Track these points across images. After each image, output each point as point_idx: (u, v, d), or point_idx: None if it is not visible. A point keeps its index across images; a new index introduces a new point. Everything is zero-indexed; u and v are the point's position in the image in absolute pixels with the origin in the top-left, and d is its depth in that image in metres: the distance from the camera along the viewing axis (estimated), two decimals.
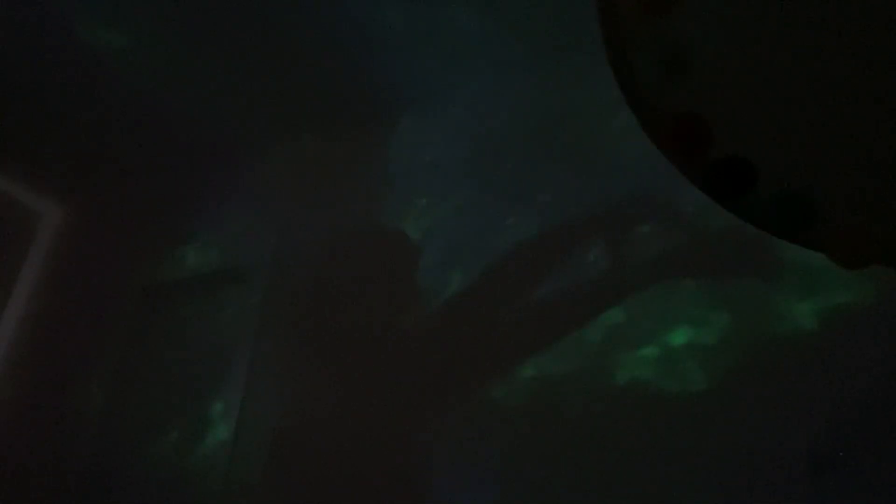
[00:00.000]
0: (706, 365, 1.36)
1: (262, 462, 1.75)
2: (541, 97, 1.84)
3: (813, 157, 0.42)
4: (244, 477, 1.76)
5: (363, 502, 1.57)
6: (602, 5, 0.44)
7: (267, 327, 1.95)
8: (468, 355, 1.64)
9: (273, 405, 1.84)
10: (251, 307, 2.00)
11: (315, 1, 1.81)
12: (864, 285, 1.24)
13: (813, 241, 0.45)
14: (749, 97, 0.42)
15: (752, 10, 0.41)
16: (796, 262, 1.29)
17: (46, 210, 2.66)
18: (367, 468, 1.60)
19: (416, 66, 1.96)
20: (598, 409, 1.43)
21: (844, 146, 0.41)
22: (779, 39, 0.41)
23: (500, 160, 1.83)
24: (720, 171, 0.44)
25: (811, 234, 0.44)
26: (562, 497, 1.39)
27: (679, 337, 1.42)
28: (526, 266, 1.67)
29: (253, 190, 2.25)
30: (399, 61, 1.95)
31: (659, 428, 1.35)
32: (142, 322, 2.26)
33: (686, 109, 0.43)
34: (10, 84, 2.09)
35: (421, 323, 1.77)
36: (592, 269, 1.58)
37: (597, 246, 1.60)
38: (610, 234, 1.60)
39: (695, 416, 1.33)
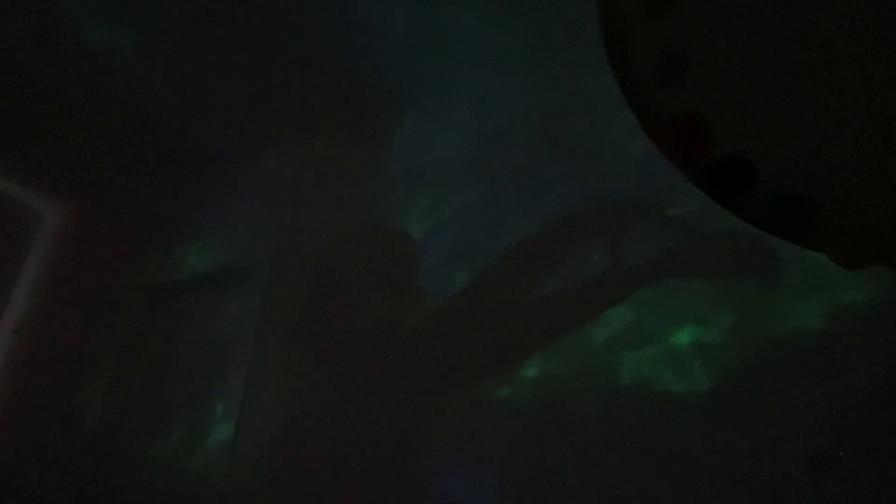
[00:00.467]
0: (711, 364, 1.36)
1: (264, 463, 1.75)
2: (544, 96, 1.84)
3: (813, 158, 0.42)
4: (245, 477, 1.76)
5: (365, 503, 1.57)
6: (602, 6, 0.44)
7: (268, 327, 1.95)
8: (471, 355, 1.64)
9: (275, 406, 1.84)
10: (253, 307, 2.00)
11: (317, 1, 1.81)
12: (871, 284, 1.24)
13: (813, 241, 0.45)
14: (749, 97, 0.42)
15: (752, 10, 0.41)
16: (802, 260, 1.29)
17: (46, 210, 2.66)
18: (368, 469, 1.60)
19: (419, 65, 1.96)
20: (603, 409, 1.43)
21: (844, 147, 0.41)
22: (778, 39, 0.41)
23: (503, 160, 1.83)
24: (720, 171, 0.44)
25: (811, 234, 0.44)
26: (566, 497, 1.39)
27: (684, 336, 1.42)
28: (530, 265, 1.67)
29: (255, 190, 2.25)
30: (401, 61, 1.95)
31: (664, 427, 1.35)
32: (142, 322, 2.26)
33: (686, 109, 0.43)
34: (10, 84, 2.09)
35: (424, 323, 1.77)
36: (596, 268, 1.58)
37: (601, 245, 1.60)
38: (614, 232, 1.60)
39: (700, 415, 1.33)
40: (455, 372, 1.65)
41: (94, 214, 2.60)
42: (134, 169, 2.44)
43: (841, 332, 1.27)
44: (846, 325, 1.27)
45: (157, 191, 2.42)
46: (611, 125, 1.67)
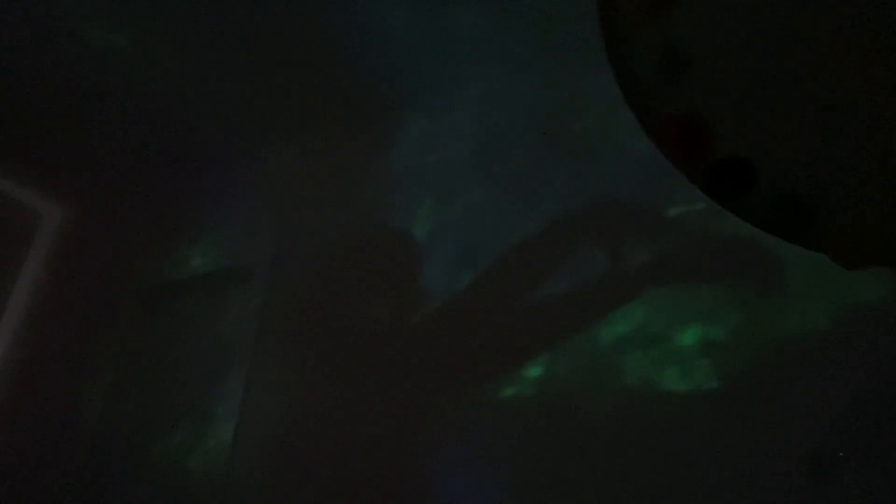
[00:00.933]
0: (717, 364, 1.36)
1: (265, 463, 1.75)
2: (548, 96, 1.84)
3: (813, 158, 0.42)
4: (246, 478, 1.76)
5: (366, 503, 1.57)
6: (602, 6, 0.44)
7: (270, 327, 1.95)
8: (475, 356, 1.64)
9: (276, 406, 1.84)
10: (254, 308, 2.00)
11: (318, 1, 1.81)
12: (874, 283, 1.24)
13: (813, 242, 0.45)
14: (749, 97, 0.42)
15: (751, 10, 0.41)
16: (805, 260, 1.29)
17: (46, 210, 2.66)
18: (370, 469, 1.60)
19: (422, 65, 1.96)
20: (608, 409, 1.43)
21: (844, 147, 0.41)
22: (778, 39, 0.41)
23: (507, 159, 1.83)
24: (720, 172, 0.44)
25: (811, 234, 0.44)
26: (571, 497, 1.39)
27: (690, 336, 1.42)
28: (534, 265, 1.67)
29: (256, 190, 2.25)
30: (404, 61, 1.95)
31: (669, 427, 1.35)
32: (142, 323, 2.26)
33: (686, 109, 0.43)
34: (9, 83, 2.09)
35: (426, 323, 1.77)
36: (601, 267, 1.58)
37: (606, 244, 1.60)
38: (619, 232, 1.60)
39: (705, 415, 1.33)
40: (458, 372, 1.64)
41: (95, 214, 2.60)
42: (134, 169, 2.44)
43: (844, 333, 1.27)
44: (849, 325, 1.27)
45: (157, 191, 2.42)
46: (616, 124, 1.67)
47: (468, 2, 1.80)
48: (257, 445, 1.79)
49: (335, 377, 1.79)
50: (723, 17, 0.42)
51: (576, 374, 1.50)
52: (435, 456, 1.58)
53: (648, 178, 1.40)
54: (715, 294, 1.43)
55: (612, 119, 1.66)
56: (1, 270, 2.51)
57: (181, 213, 2.36)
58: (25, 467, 2.12)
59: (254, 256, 2.11)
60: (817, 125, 0.42)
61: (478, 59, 1.91)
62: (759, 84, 0.43)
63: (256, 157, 2.29)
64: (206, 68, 2.03)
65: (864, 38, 0.40)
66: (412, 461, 1.60)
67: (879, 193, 0.42)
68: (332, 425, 1.71)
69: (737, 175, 0.45)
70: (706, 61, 0.43)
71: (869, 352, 1.23)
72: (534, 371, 1.55)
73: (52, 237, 2.61)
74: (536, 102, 1.86)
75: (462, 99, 1.99)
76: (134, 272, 2.34)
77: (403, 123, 2.08)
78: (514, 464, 1.48)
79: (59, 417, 2.18)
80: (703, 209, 1.47)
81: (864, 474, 1.14)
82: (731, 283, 1.43)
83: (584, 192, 1.69)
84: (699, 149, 0.45)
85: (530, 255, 1.69)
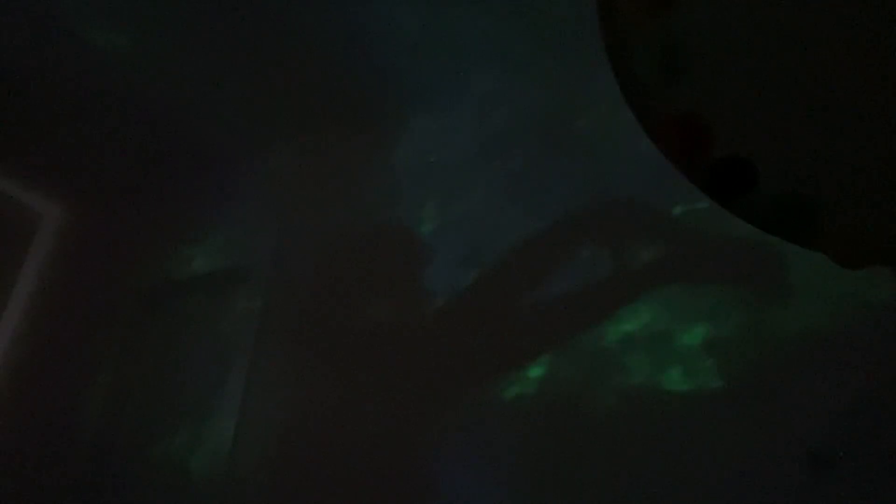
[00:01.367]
0: (722, 364, 1.36)
1: (267, 464, 1.75)
2: (551, 95, 1.84)
3: (813, 158, 0.42)
4: (248, 478, 1.76)
5: None
6: (602, 6, 0.44)
7: (272, 328, 1.95)
8: (477, 356, 1.64)
9: (278, 406, 1.84)
10: (256, 308, 2.00)
11: (320, 0, 1.81)
12: (875, 283, 1.25)
13: (813, 242, 0.45)
14: (749, 97, 0.42)
15: (752, 10, 0.41)
16: (806, 260, 1.29)
17: (47, 210, 2.66)
18: (372, 470, 1.60)
19: (424, 65, 1.96)
20: (612, 408, 1.43)
21: (845, 146, 0.41)
22: (779, 39, 0.41)
23: (510, 159, 1.84)
24: (720, 172, 0.44)
25: (812, 234, 0.44)
26: (574, 496, 1.39)
27: (694, 336, 1.42)
28: (537, 264, 1.67)
29: (258, 190, 2.25)
30: (406, 60, 1.95)
31: (673, 426, 1.35)
32: (143, 323, 2.26)
33: (686, 109, 0.43)
34: (10, 83, 2.09)
35: (429, 323, 1.77)
36: (605, 267, 1.58)
37: (610, 244, 1.60)
38: (622, 231, 1.60)
39: (709, 415, 1.33)
40: (459, 372, 1.64)
41: (95, 215, 2.60)
42: (134, 169, 2.44)
43: (845, 333, 1.28)
44: (850, 325, 1.27)
45: (157, 191, 2.42)
46: (619, 123, 1.67)
47: (470, 1, 1.80)
48: (258, 445, 1.78)
49: (337, 377, 1.79)
50: (723, 17, 0.42)
51: (579, 374, 1.50)
52: (436, 456, 1.58)
53: (652, 178, 1.40)
54: (718, 294, 1.44)
55: (617, 118, 1.66)
56: (1, 270, 2.51)
57: (182, 213, 2.36)
58: (25, 468, 2.12)
59: (255, 256, 2.11)
60: (817, 125, 0.42)
61: (480, 58, 1.92)
62: (760, 84, 0.43)
63: (258, 157, 2.29)
64: (208, 68, 2.03)
65: (864, 38, 0.40)
66: (414, 461, 1.60)
67: (879, 193, 0.42)
68: (334, 425, 1.71)
69: (737, 175, 0.45)
70: (706, 61, 0.43)
71: (870, 352, 1.23)
72: (537, 371, 1.55)
73: (52, 237, 2.61)
74: (539, 102, 1.86)
75: (464, 99, 1.99)
76: (134, 272, 2.34)
77: (405, 123, 2.09)
78: (516, 464, 1.48)
79: (59, 418, 2.18)
80: (706, 208, 1.47)
81: (864, 474, 1.14)
82: (735, 283, 1.43)
83: (587, 192, 1.69)
84: (699, 149, 0.45)
85: (533, 254, 1.69)
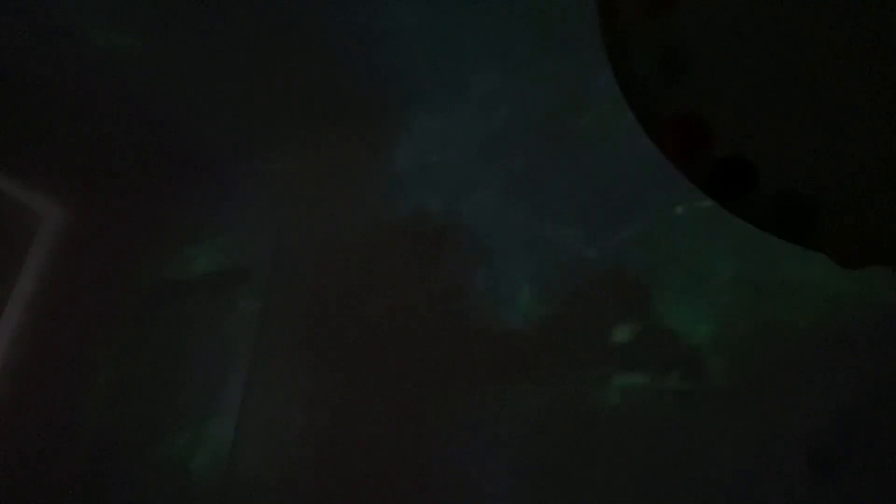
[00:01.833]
0: (722, 364, 1.36)
1: (268, 464, 1.75)
2: (553, 95, 1.84)
3: (813, 158, 0.42)
4: (249, 479, 1.76)
5: None
6: (602, 6, 0.44)
7: (272, 328, 1.95)
8: (480, 357, 1.64)
9: (279, 406, 1.84)
10: (257, 308, 2.00)
11: (322, 0, 1.81)
12: (879, 283, 1.25)
13: (813, 241, 0.45)
14: (749, 97, 0.42)
15: (751, 10, 0.41)
16: (807, 260, 1.29)
17: (47, 211, 2.66)
18: (372, 470, 1.60)
19: (426, 64, 1.96)
20: (612, 408, 1.43)
21: (844, 146, 0.41)
22: (778, 39, 0.41)
23: (512, 158, 1.84)
24: (721, 172, 0.44)
25: (811, 234, 0.44)
26: (578, 495, 1.39)
27: (695, 336, 1.42)
28: (537, 264, 1.67)
29: (260, 190, 2.25)
30: (409, 60, 1.95)
31: (671, 427, 1.35)
32: (144, 324, 2.26)
33: (686, 110, 0.43)
34: (11, 83, 2.09)
35: (431, 324, 1.77)
36: (607, 265, 1.58)
37: (609, 244, 1.60)
38: (623, 231, 1.60)
39: (712, 414, 1.33)
40: (461, 372, 1.65)
41: (96, 215, 2.60)
42: (135, 169, 2.44)
43: (845, 333, 1.28)
44: (850, 325, 1.28)
45: (158, 191, 2.42)
46: (620, 123, 1.67)
47: (470, 1, 1.80)
48: (259, 446, 1.79)
49: (337, 378, 1.79)
50: (723, 17, 0.42)
51: (581, 373, 1.51)
52: (437, 456, 1.58)
53: (653, 178, 1.40)
54: (719, 294, 1.44)
55: (617, 118, 1.67)
56: (1, 271, 2.51)
57: (183, 213, 2.36)
58: (25, 468, 2.12)
59: (256, 256, 2.12)
60: (817, 125, 0.42)
61: (480, 58, 1.92)
62: (759, 84, 0.43)
63: (259, 157, 2.29)
64: (208, 68, 2.03)
65: (865, 38, 0.40)
66: (414, 462, 1.60)
67: (880, 193, 0.42)
68: (334, 425, 1.72)
69: (737, 175, 0.45)
70: (706, 61, 0.43)
71: (870, 352, 1.23)
72: (540, 370, 1.55)
73: (53, 237, 2.62)
74: (539, 102, 1.86)
75: (465, 99, 1.99)
76: (135, 272, 2.34)
77: (405, 123, 2.09)
78: (518, 464, 1.48)
79: (59, 418, 2.18)
80: (707, 208, 1.48)
81: (864, 474, 1.14)
82: (735, 283, 1.44)
83: (587, 192, 1.69)
84: (699, 149, 0.45)
85: (533, 254, 1.69)
